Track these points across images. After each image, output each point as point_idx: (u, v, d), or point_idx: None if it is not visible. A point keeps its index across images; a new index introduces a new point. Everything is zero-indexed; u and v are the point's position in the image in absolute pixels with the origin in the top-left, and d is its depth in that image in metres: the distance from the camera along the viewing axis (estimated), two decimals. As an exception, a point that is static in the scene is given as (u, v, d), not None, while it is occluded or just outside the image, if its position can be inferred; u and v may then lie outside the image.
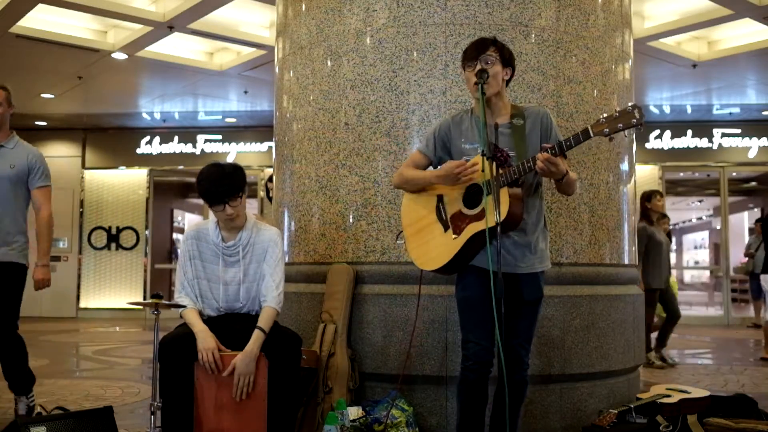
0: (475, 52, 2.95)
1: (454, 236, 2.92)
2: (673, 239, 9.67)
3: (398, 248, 3.88)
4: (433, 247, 3.02)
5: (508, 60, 3.00)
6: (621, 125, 2.63)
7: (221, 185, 3.25)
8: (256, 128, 13.47)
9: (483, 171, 2.77)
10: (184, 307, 3.30)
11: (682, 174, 14.32)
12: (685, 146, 12.93)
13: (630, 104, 2.68)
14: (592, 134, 2.68)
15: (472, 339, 2.93)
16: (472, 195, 2.91)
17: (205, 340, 3.17)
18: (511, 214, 2.77)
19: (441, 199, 3.03)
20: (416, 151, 3.23)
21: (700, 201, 19.88)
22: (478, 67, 2.90)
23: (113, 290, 13.61)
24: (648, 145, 12.82)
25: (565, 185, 2.93)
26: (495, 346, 2.95)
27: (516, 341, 2.95)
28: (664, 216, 7.61)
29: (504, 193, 2.77)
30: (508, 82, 3.05)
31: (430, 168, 3.23)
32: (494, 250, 2.70)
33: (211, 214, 3.43)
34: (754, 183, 16.13)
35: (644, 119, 2.62)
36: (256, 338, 3.18)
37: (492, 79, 2.90)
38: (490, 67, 2.91)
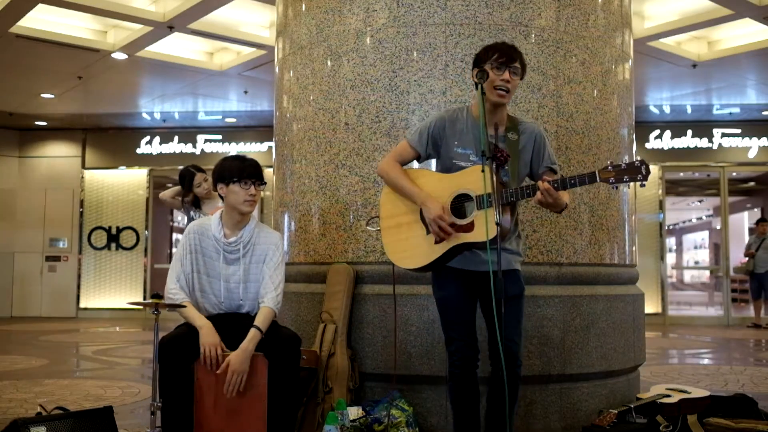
0: (506, 58, 2.94)
1: (436, 241, 2.93)
2: (674, 239, 9.66)
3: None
4: (412, 245, 3.03)
5: (523, 74, 3.05)
6: (626, 178, 2.70)
7: (253, 163, 3.39)
8: (256, 128, 13.47)
9: (483, 171, 2.77)
10: (183, 306, 3.30)
11: (682, 174, 14.32)
12: (685, 146, 12.92)
13: (638, 159, 2.73)
14: (598, 179, 2.73)
15: (455, 336, 3.01)
16: (460, 203, 2.91)
17: (209, 335, 3.17)
18: (503, 228, 2.82)
19: None
20: (405, 143, 3.14)
21: (700, 201, 19.91)
22: (506, 75, 2.92)
23: (113, 290, 13.61)
24: (648, 145, 12.81)
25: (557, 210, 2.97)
26: (477, 342, 3.02)
27: (507, 337, 2.96)
28: None
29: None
30: None
31: (415, 163, 3.22)
32: (493, 255, 2.74)
33: (217, 212, 3.45)
34: (753, 183, 16.15)
35: (649, 175, 2.68)
36: (252, 336, 3.18)
37: (512, 91, 2.96)
38: (516, 80, 2.96)
